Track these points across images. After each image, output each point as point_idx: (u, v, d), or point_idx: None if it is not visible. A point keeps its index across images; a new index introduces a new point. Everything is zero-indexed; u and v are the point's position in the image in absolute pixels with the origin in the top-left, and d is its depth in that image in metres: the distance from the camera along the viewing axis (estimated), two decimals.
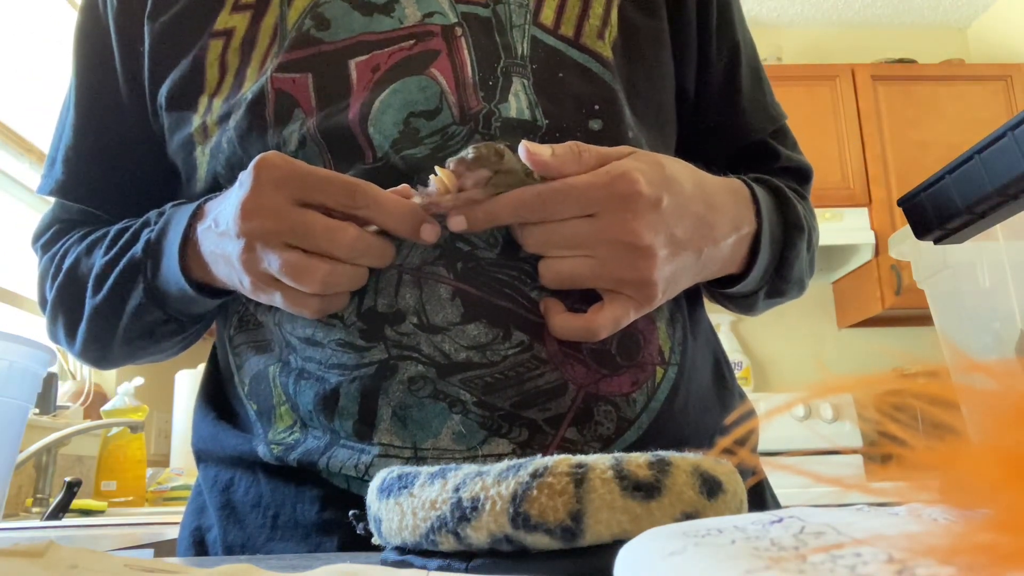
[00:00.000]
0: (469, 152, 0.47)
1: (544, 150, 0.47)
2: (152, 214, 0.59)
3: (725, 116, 0.67)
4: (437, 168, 0.48)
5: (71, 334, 0.61)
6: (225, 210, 0.50)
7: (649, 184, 0.47)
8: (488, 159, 0.47)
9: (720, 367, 0.65)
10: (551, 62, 0.57)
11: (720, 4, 0.66)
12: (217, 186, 0.58)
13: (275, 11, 0.58)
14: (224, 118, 0.57)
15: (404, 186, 0.50)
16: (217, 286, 0.55)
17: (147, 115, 0.63)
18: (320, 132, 0.54)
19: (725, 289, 0.61)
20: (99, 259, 0.59)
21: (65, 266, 0.62)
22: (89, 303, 0.59)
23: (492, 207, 0.48)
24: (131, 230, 0.59)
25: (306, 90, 0.55)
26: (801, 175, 0.70)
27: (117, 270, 0.57)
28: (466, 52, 0.55)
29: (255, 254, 0.48)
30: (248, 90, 0.56)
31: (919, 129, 2.79)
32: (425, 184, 0.49)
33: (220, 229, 0.50)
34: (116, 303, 0.58)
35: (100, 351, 0.61)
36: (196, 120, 0.59)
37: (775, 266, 0.61)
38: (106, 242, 0.60)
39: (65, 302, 0.61)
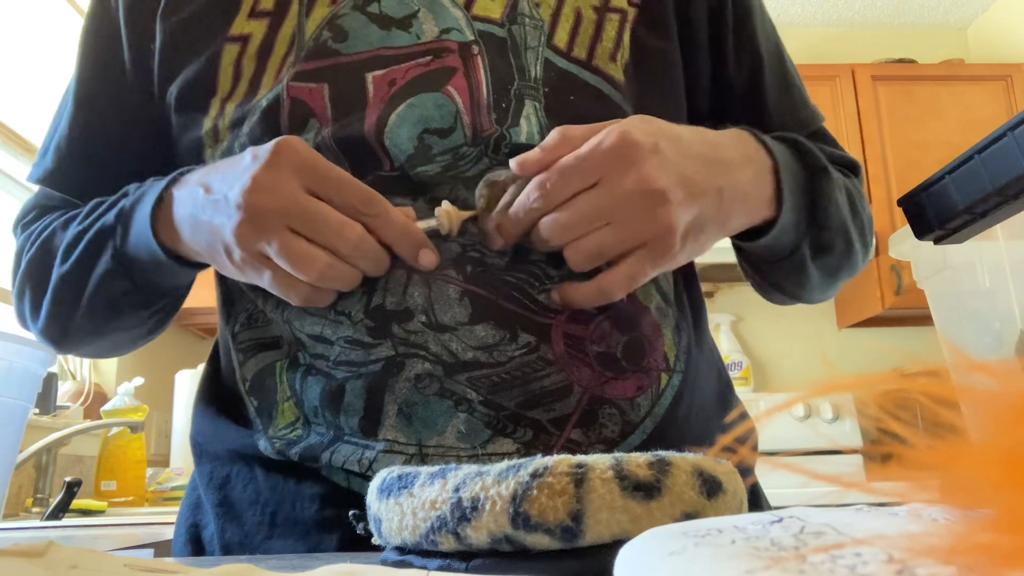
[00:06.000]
0: (480, 199, 0.50)
1: (532, 154, 0.48)
2: (132, 186, 0.58)
3: (749, 123, 0.66)
4: (445, 203, 0.50)
5: (36, 308, 0.60)
6: (226, 178, 0.49)
7: (644, 134, 0.48)
8: (496, 196, 0.50)
9: (723, 382, 0.65)
10: (563, 85, 0.57)
11: (736, 19, 0.65)
12: None
13: (293, 20, 0.59)
14: (237, 123, 0.57)
15: (408, 209, 0.51)
16: (183, 252, 0.54)
17: (151, 111, 0.63)
18: (335, 141, 0.54)
19: (760, 241, 0.58)
20: (72, 229, 0.58)
21: (40, 240, 0.61)
22: (56, 272, 0.58)
23: (507, 223, 0.49)
24: (108, 201, 0.58)
25: (322, 100, 0.55)
26: (846, 167, 0.68)
27: (87, 237, 0.56)
28: (482, 72, 0.55)
29: (254, 229, 0.47)
30: (263, 97, 0.56)
31: (919, 129, 2.79)
32: (437, 203, 0.51)
33: (213, 196, 0.49)
34: (83, 270, 0.57)
35: (62, 326, 0.59)
36: (207, 123, 0.59)
37: (809, 214, 0.59)
38: (81, 215, 0.60)
39: (34, 275, 0.60)
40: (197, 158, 0.60)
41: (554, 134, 0.48)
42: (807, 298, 0.67)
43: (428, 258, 0.49)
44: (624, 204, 0.47)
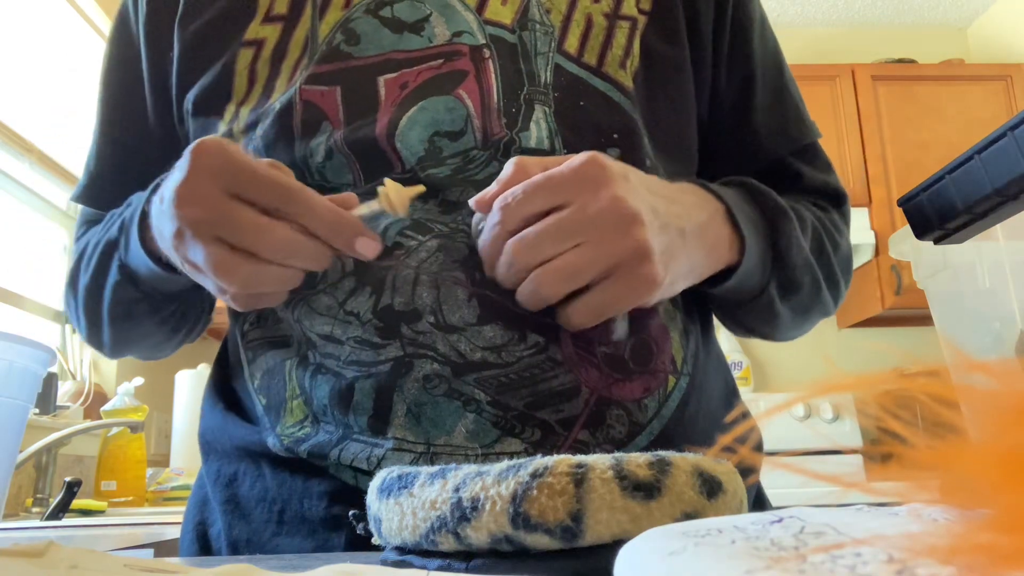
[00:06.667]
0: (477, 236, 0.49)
1: (489, 189, 0.48)
2: (136, 194, 0.59)
3: (736, 138, 0.66)
4: (387, 180, 0.49)
5: (77, 319, 0.64)
6: (166, 187, 0.49)
7: (614, 161, 0.47)
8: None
9: (729, 387, 0.64)
10: (573, 90, 0.57)
11: (735, 27, 0.65)
12: None
13: (306, 24, 0.59)
14: (251, 127, 0.57)
15: (349, 195, 0.50)
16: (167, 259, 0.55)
17: (171, 121, 0.65)
18: (347, 144, 0.54)
19: (726, 284, 0.58)
20: (92, 242, 0.62)
21: (77, 253, 0.65)
22: (81, 284, 0.62)
23: (484, 250, 0.48)
24: (119, 211, 0.61)
25: (334, 103, 0.55)
26: (830, 197, 0.67)
27: (99, 250, 0.60)
28: (493, 76, 0.56)
29: (183, 240, 0.47)
30: (276, 100, 0.57)
31: (919, 129, 2.79)
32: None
33: (163, 206, 0.50)
34: (99, 283, 0.60)
35: (97, 335, 0.63)
36: (222, 127, 0.59)
37: (773, 253, 0.58)
38: (101, 226, 0.63)
39: (72, 288, 0.65)
40: None
41: (509, 165, 0.47)
42: (779, 338, 0.67)
43: (366, 246, 0.48)
44: (596, 222, 0.45)
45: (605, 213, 0.45)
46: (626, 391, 0.53)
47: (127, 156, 0.67)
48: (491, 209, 0.47)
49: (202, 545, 0.59)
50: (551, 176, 0.46)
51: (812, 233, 0.61)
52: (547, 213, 0.46)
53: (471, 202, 0.49)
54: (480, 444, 0.50)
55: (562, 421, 0.51)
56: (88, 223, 0.71)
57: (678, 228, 0.50)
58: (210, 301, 0.69)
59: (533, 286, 0.47)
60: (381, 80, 0.55)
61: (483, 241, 0.48)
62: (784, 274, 0.59)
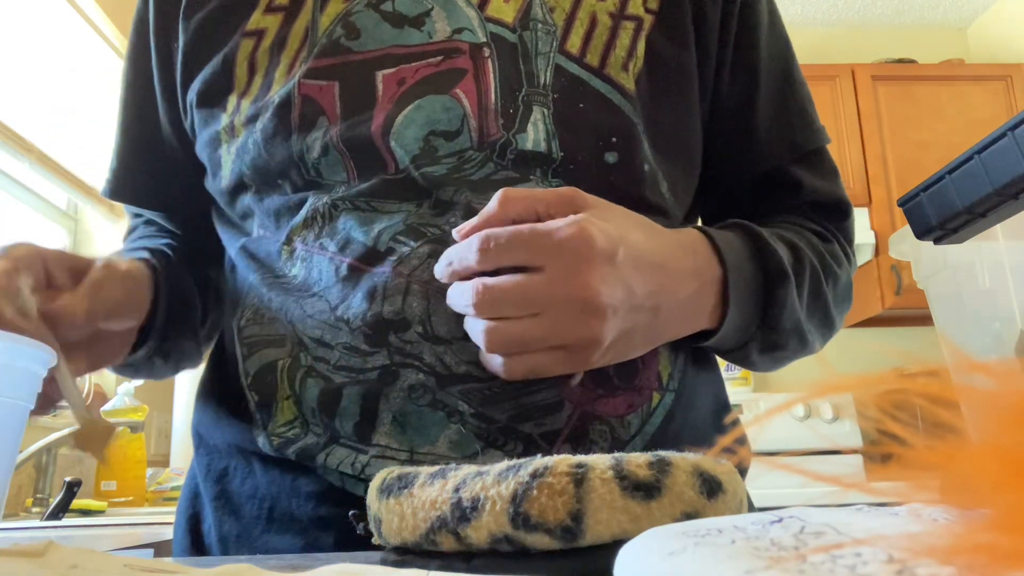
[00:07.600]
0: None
1: (471, 221, 0.47)
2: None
3: (738, 142, 0.64)
4: (78, 424, 0.51)
5: None
6: None
7: (604, 236, 0.46)
8: None
9: (719, 402, 0.63)
10: (573, 91, 0.56)
11: (740, 34, 0.63)
12: (242, 185, 0.59)
13: (307, 15, 0.59)
14: (252, 119, 0.58)
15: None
16: None
17: (175, 116, 0.65)
18: (343, 141, 0.54)
19: (705, 343, 0.57)
20: None
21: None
22: None
23: (452, 272, 0.48)
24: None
25: (332, 98, 0.55)
26: (833, 210, 0.65)
27: None
28: (491, 76, 0.55)
29: None
30: (276, 93, 0.57)
31: (919, 129, 2.79)
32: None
33: None
34: None
35: None
36: (224, 119, 0.60)
37: (760, 318, 0.56)
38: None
39: None
40: (213, 153, 0.61)
41: (494, 200, 0.47)
42: (754, 371, 0.66)
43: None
44: (560, 303, 0.45)
45: (572, 298, 0.45)
46: (609, 407, 0.52)
47: (143, 152, 0.69)
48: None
49: (194, 539, 0.60)
50: (537, 234, 0.45)
51: (811, 275, 0.59)
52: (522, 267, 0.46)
53: (454, 233, 0.48)
54: (463, 455, 0.50)
55: (544, 435, 0.51)
56: (135, 218, 0.76)
57: (653, 307, 0.49)
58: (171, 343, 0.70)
59: (481, 338, 0.47)
60: (379, 75, 0.55)
61: (449, 262, 0.48)
62: (770, 337, 0.57)
